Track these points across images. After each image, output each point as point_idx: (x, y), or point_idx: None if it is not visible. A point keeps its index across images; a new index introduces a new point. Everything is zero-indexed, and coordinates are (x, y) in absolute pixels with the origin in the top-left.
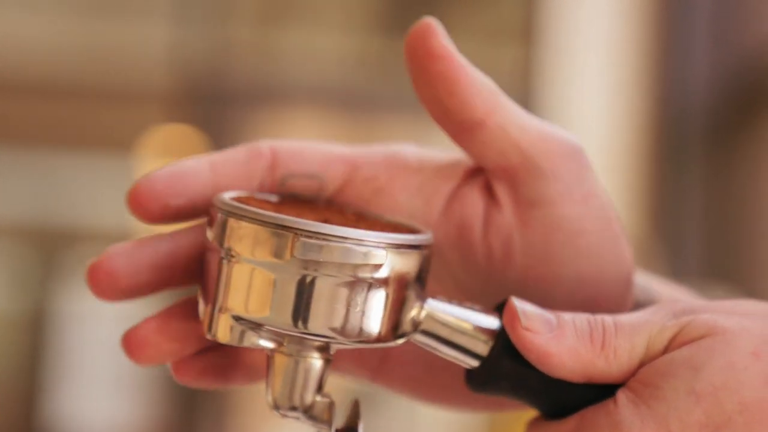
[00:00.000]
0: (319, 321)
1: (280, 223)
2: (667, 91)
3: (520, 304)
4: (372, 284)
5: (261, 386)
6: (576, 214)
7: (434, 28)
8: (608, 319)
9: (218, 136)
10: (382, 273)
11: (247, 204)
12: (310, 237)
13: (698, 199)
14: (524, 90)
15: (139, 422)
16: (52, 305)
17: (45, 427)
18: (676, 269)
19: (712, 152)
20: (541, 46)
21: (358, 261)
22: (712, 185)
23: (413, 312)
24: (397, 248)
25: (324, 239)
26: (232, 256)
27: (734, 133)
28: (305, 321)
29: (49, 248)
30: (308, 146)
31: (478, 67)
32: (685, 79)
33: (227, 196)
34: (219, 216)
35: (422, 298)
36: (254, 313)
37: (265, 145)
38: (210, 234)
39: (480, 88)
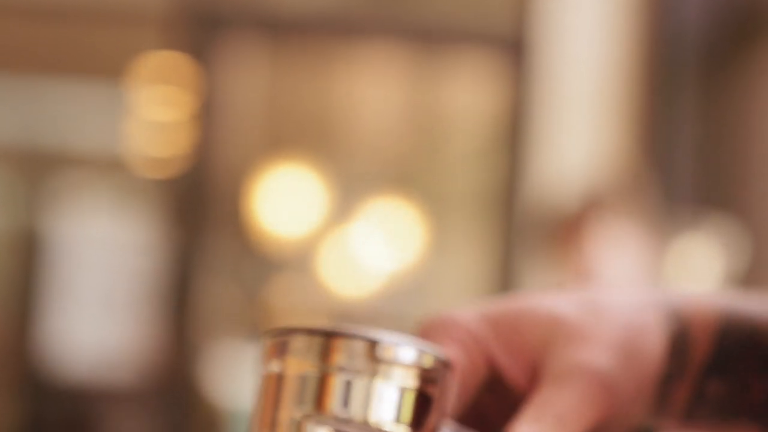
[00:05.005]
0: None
1: (343, 332)
2: (660, 18)
3: None
4: (427, 391)
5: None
6: None
7: None
8: None
9: (210, 64)
10: (436, 381)
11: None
12: (378, 343)
13: (691, 126)
14: (518, 21)
15: (128, 341)
16: (40, 228)
17: (36, 346)
18: (670, 196)
19: (706, 79)
20: None
21: (422, 364)
22: (706, 112)
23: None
24: (446, 366)
25: (387, 345)
26: (288, 367)
27: (727, 61)
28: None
29: (38, 172)
30: None
31: (471, 4)
32: (679, 6)
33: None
34: (276, 339)
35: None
36: (321, 413)
37: None
38: (266, 353)
39: None
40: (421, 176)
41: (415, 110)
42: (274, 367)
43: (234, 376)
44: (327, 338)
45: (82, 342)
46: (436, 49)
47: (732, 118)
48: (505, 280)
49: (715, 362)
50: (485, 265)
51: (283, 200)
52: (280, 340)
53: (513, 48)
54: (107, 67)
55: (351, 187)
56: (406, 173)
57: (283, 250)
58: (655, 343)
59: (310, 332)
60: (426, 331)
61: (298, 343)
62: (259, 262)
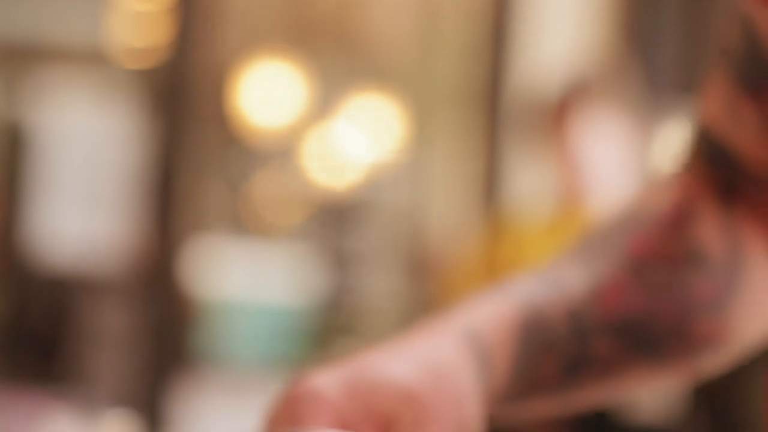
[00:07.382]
0: None
1: None
2: None
3: None
4: None
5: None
6: None
7: None
8: None
9: None
10: None
11: None
12: None
13: (674, 12)
14: None
15: (111, 234)
16: (21, 122)
17: (19, 238)
18: (654, 84)
19: None
20: None
21: None
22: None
23: None
24: None
25: None
26: None
27: None
28: None
29: (17, 66)
30: None
31: None
32: None
33: None
34: None
35: None
36: None
37: None
38: None
39: None
40: (407, 69)
41: (401, 3)
42: None
43: (217, 269)
44: None
45: (65, 234)
46: None
47: (715, 5)
48: (491, 169)
49: (517, 372)
50: (471, 156)
51: (267, 93)
52: None
53: None
54: None
55: (336, 79)
56: (392, 65)
57: (267, 142)
58: (477, 406)
59: None
60: (291, 404)
61: None
62: (243, 155)
